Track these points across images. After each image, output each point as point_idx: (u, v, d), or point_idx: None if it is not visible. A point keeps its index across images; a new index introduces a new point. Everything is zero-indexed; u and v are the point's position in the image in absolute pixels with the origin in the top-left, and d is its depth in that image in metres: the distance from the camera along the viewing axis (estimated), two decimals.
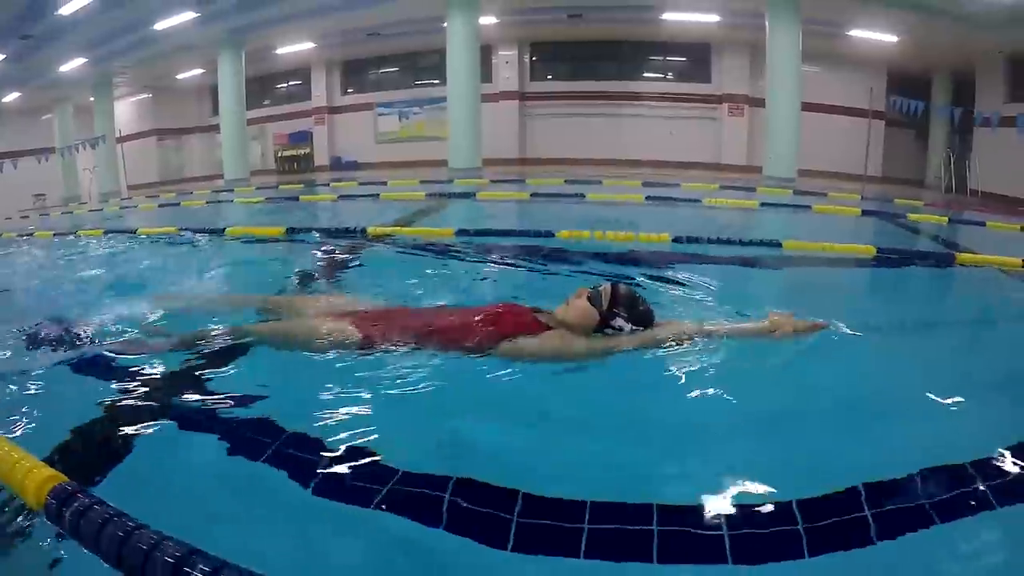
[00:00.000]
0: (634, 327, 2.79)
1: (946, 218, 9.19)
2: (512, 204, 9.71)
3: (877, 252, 5.27)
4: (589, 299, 2.79)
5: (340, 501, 1.75)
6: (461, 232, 5.71)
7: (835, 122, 17.24)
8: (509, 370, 2.57)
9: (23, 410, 2.26)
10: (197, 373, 2.58)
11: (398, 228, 6.03)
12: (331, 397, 2.37)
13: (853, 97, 16.89)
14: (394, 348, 2.74)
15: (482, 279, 4.46)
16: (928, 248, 7.13)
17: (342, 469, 1.88)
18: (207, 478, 1.92)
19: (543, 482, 1.80)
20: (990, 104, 15.97)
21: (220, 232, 6.19)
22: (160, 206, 11.70)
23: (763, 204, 9.07)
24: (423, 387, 2.44)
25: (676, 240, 5.22)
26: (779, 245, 5.30)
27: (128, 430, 2.13)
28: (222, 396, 2.38)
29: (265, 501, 1.82)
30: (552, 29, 17.77)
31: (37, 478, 1.56)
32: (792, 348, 2.71)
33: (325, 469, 1.88)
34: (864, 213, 9.04)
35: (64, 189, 20.68)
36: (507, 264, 4.75)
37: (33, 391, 2.46)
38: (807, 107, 17.03)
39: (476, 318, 2.85)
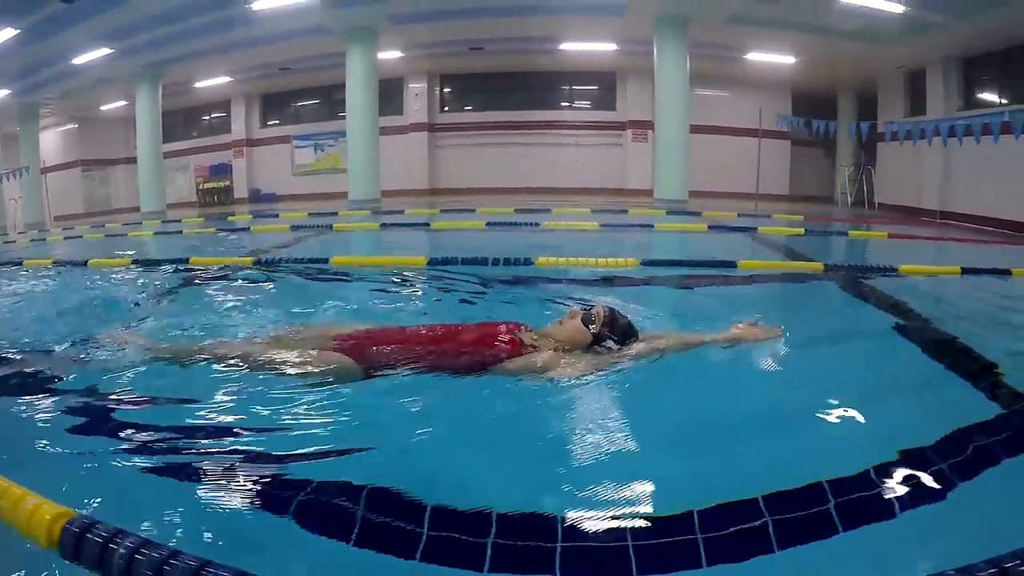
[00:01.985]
0: (621, 346, 3.14)
1: (802, 230, 10.22)
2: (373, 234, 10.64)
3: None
4: (583, 320, 3.14)
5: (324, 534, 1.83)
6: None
7: (741, 144, 18.25)
8: (507, 387, 2.85)
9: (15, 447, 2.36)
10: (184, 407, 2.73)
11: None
12: (330, 425, 2.54)
13: (757, 119, 18.24)
14: (389, 371, 2.97)
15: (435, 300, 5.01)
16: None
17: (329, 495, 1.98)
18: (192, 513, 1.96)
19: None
20: (892, 119, 17.47)
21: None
22: (107, 236, 12.21)
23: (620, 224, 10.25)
24: (418, 407, 2.69)
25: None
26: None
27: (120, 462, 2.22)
28: (208, 428, 2.53)
29: (269, 531, 1.88)
30: (461, 62, 18.91)
31: (45, 515, 1.57)
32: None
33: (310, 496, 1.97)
34: (709, 228, 10.11)
35: None
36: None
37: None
38: (712, 130, 18.67)
39: (468, 336, 3.16)
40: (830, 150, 19.88)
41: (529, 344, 3.10)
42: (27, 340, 3.75)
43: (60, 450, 2.33)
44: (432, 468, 2.27)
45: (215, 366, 3.09)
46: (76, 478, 2.11)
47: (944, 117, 13.84)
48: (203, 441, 2.43)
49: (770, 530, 1.78)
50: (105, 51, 15.76)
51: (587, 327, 3.10)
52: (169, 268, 6.54)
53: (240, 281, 5.78)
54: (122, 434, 2.41)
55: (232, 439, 2.45)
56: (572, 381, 2.88)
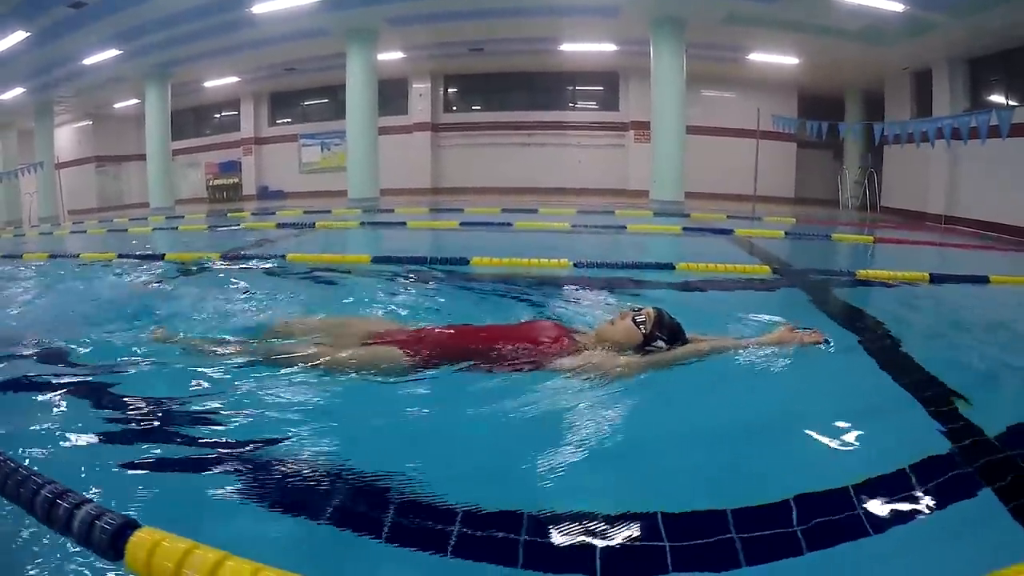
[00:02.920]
0: (670, 346, 3.26)
1: (781, 232, 10.55)
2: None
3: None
4: (634, 321, 3.27)
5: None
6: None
7: (745, 145, 17.97)
8: (560, 386, 2.94)
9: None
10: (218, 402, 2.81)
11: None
12: (380, 421, 2.68)
13: (763, 120, 18.46)
14: (441, 368, 3.09)
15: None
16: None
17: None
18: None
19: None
20: (899, 120, 17.64)
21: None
22: (109, 231, 12.85)
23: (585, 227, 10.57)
24: (476, 403, 2.77)
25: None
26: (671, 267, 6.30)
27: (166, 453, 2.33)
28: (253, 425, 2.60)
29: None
30: (464, 62, 19.46)
31: (109, 525, 1.53)
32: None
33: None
34: (684, 230, 10.37)
35: (5, 213, 22.38)
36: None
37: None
38: (717, 131, 19.02)
39: (523, 335, 3.28)
40: (838, 153, 19.98)
41: (582, 343, 3.26)
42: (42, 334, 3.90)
43: (117, 460, 2.31)
44: (491, 464, 2.37)
45: (260, 358, 3.24)
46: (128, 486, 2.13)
47: (932, 117, 14.01)
48: (260, 440, 2.44)
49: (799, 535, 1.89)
50: (114, 52, 16.53)
51: (638, 327, 3.24)
52: (151, 263, 7.07)
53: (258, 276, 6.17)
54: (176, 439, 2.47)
55: (292, 433, 2.50)
56: (629, 380, 3.01)
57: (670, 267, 6.29)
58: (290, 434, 2.49)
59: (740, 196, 17.63)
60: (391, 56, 17.97)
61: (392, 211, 13.61)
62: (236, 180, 22.61)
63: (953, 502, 2.05)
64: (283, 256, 7.10)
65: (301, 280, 6.04)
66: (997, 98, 14.47)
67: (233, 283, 5.67)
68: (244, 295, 5.04)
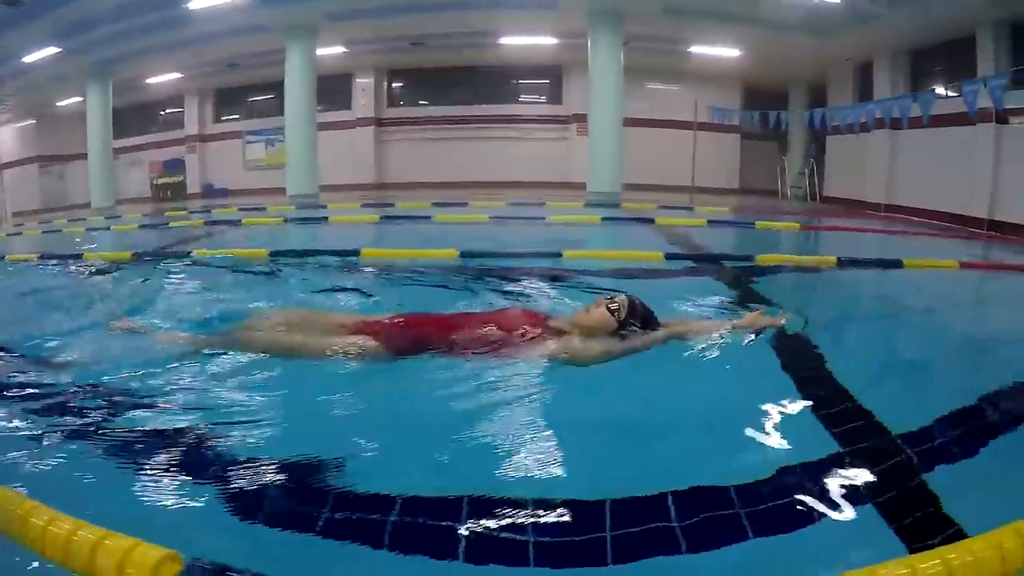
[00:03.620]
0: (643, 331, 3.44)
1: (704, 221, 10.86)
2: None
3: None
4: (608, 308, 3.42)
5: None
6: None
7: (689, 137, 18.62)
8: (539, 372, 3.09)
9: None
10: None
11: None
12: (351, 410, 2.76)
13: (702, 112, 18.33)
14: (416, 356, 3.21)
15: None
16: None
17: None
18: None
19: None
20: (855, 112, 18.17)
21: None
22: (45, 232, 12.99)
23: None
24: (453, 394, 2.84)
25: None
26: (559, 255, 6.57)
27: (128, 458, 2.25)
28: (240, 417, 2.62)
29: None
30: (407, 57, 19.61)
31: (148, 561, 1.47)
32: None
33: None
34: (603, 220, 10.75)
35: None
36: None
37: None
38: (662, 124, 19.46)
39: (501, 323, 3.40)
40: (784, 145, 20.38)
41: (559, 330, 3.40)
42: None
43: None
44: (470, 451, 2.41)
45: (232, 355, 3.27)
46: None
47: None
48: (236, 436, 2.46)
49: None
50: (53, 50, 16.57)
51: (612, 314, 3.40)
52: (69, 263, 7.20)
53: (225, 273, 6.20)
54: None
55: (264, 428, 2.53)
56: (605, 364, 3.24)
57: (557, 255, 6.54)
58: (259, 425, 2.54)
59: (681, 188, 18.07)
60: (332, 51, 18.09)
61: (325, 207, 13.87)
62: (180, 178, 22.54)
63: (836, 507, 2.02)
64: (189, 253, 7.32)
65: (205, 275, 6.18)
66: (938, 89, 14.98)
67: (138, 281, 5.84)
68: (163, 291, 5.24)
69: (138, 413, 2.66)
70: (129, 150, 22.85)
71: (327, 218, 11.04)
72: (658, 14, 14.87)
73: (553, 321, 3.51)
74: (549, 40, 17.70)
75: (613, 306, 3.43)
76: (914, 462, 2.28)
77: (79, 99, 21.70)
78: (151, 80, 20.87)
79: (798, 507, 2.00)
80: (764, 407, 2.74)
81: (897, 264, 6.72)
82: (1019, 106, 11.81)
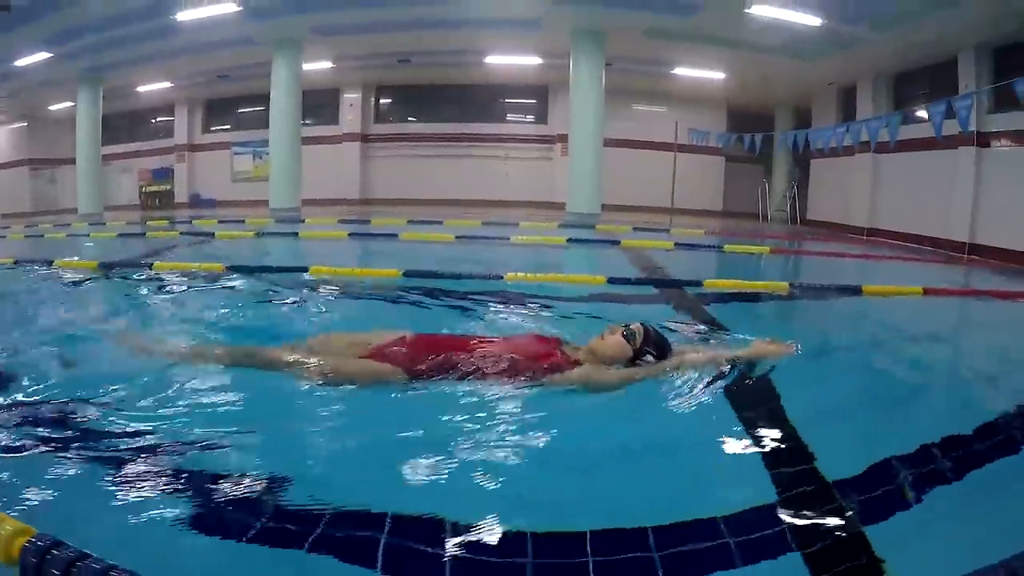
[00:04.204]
0: (658, 359, 3.46)
1: (671, 244, 11.05)
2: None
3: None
4: (624, 336, 3.46)
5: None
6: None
7: (667, 158, 19.19)
8: (565, 399, 3.14)
9: None
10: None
11: None
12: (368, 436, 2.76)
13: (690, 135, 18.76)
14: (435, 381, 3.22)
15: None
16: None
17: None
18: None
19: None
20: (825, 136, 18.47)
21: None
22: (27, 237, 13.14)
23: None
24: (471, 418, 2.87)
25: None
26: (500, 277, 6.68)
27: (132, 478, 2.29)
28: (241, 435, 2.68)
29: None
30: (395, 74, 20.05)
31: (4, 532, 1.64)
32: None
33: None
34: (569, 241, 11.03)
35: None
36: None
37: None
38: (647, 145, 19.86)
39: (520, 349, 3.42)
40: (770, 168, 20.76)
41: (575, 357, 3.41)
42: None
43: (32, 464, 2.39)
44: (489, 482, 2.41)
45: (254, 374, 3.37)
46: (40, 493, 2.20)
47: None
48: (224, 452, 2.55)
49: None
50: (45, 55, 16.90)
51: (628, 342, 3.43)
52: (39, 268, 7.52)
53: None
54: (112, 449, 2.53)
55: (260, 452, 2.60)
56: (623, 393, 3.26)
57: (498, 278, 6.67)
58: (271, 447, 2.65)
59: (664, 209, 18.39)
60: (320, 66, 18.45)
61: (302, 221, 14.26)
62: (168, 187, 22.95)
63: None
64: (149, 266, 7.53)
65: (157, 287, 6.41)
66: (921, 112, 15.19)
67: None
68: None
69: (135, 434, 2.70)
70: (120, 157, 23.31)
71: (297, 233, 11.39)
72: (641, 36, 15.21)
73: (567, 348, 3.52)
74: (534, 60, 18.04)
75: (628, 334, 3.46)
76: (848, 511, 2.19)
77: (71, 104, 21.98)
78: (142, 88, 21.23)
79: (716, 553, 1.99)
80: (703, 445, 2.82)
81: (856, 291, 6.75)
82: (1000, 129, 12.15)
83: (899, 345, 5.18)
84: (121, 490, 2.24)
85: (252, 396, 3.21)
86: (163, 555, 1.94)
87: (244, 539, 1.99)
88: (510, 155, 20.90)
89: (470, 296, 5.76)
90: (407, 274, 6.75)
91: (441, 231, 12.05)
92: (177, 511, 2.11)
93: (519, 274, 6.72)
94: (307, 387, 3.21)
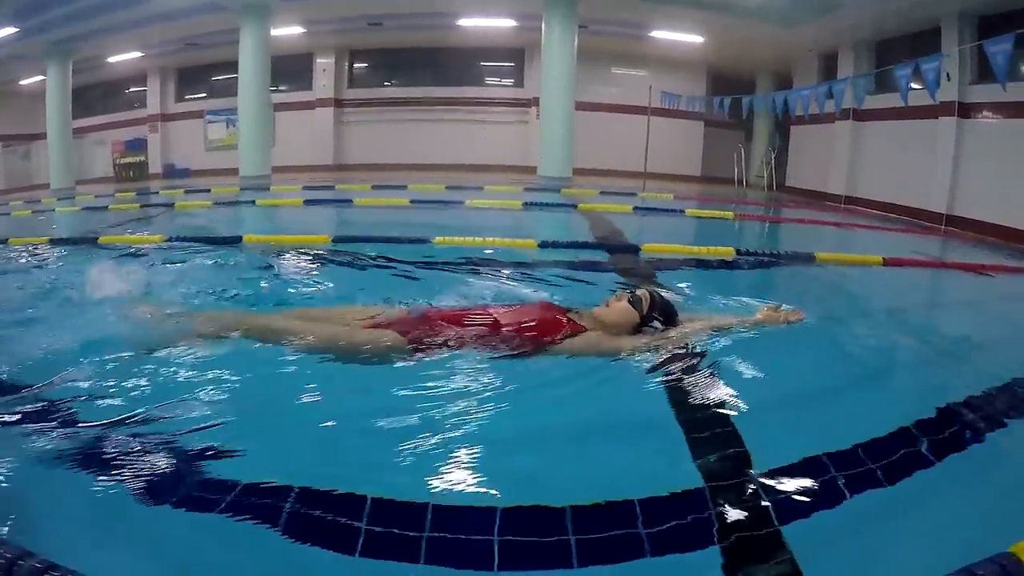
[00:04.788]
0: (665, 326, 3.46)
1: (630, 207, 11.10)
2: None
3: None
4: (630, 302, 3.44)
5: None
6: None
7: (652, 122, 18.88)
8: (563, 368, 3.13)
9: None
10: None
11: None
12: (378, 405, 2.69)
13: (673, 99, 18.44)
14: (445, 351, 3.16)
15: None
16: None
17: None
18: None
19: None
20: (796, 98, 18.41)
21: None
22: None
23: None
24: (478, 387, 2.85)
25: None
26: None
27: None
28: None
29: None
30: (368, 37, 19.86)
31: None
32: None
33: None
34: (524, 205, 10.92)
35: None
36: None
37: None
38: (625, 109, 19.80)
39: (525, 319, 3.36)
40: (749, 133, 20.69)
41: (582, 325, 3.38)
42: None
43: None
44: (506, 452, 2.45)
45: (253, 343, 3.27)
46: None
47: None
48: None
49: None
50: (11, 30, 16.84)
51: (635, 308, 3.42)
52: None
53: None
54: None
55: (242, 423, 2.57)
56: (633, 359, 3.22)
57: (426, 241, 6.64)
58: (275, 421, 2.63)
59: (640, 173, 18.32)
60: (291, 31, 18.28)
61: (268, 189, 14.33)
62: (142, 158, 22.78)
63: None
64: (96, 240, 7.48)
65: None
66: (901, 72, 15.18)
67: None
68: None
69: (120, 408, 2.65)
70: (93, 129, 23.09)
71: (255, 201, 11.46)
72: None
73: (573, 315, 3.48)
74: (508, 22, 17.86)
75: (634, 300, 3.45)
76: (771, 508, 2.11)
77: (42, 77, 22.03)
78: (112, 59, 21.06)
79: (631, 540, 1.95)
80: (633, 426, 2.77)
81: (809, 259, 6.69)
82: (982, 100, 11.99)
83: (847, 318, 4.85)
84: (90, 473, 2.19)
85: (240, 367, 3.10)
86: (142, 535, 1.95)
87: (217, 511, 1.98)
88: (486, 119, 20.72)
89: (451, 264, 5.73)
90: (336, 240, 6.76)
91: (403, 195, 12.11)
92: (146, 485, 2.10)
93: (448, 238, 6.68)
94: (309, 358, 3.14)
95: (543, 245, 6.69)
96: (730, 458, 2.41)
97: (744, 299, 4.32)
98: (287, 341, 3.21)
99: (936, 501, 2.31)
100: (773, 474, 2.27)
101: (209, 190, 14.60)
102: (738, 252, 6.67)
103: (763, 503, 2.12)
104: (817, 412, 3.05)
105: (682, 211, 11.28)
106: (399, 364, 3.09)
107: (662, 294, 3.59)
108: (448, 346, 3.19)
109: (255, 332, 3.34)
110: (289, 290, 4.88)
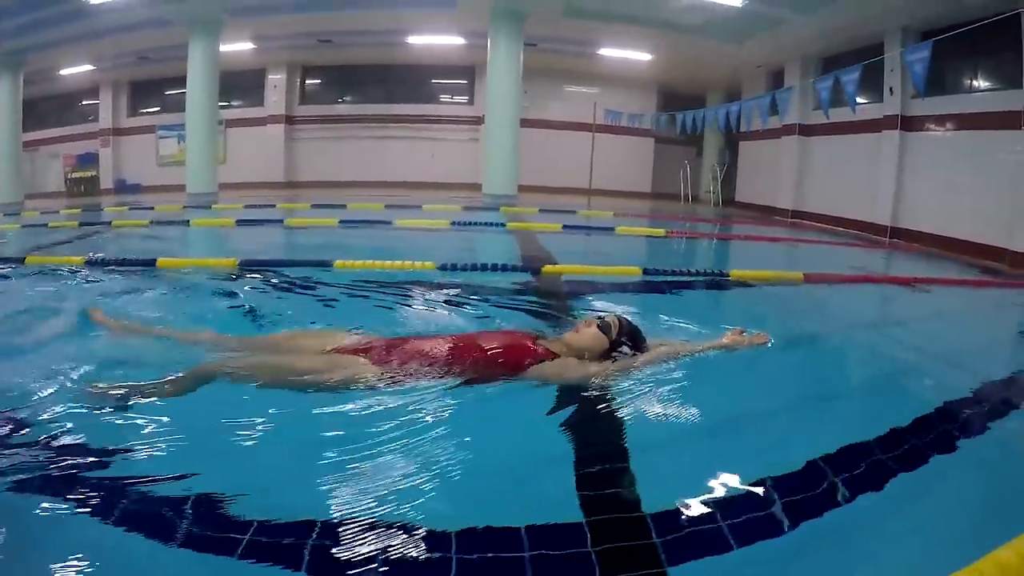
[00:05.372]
0: (634, 352, 3.51)
1: (559, 226, 11.25)
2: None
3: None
4: (599, 328, 3.49)
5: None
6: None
7: (603, 140, 19.57)
8: (535, 395, 3.17)
9: None
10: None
11: None
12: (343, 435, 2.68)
13: (621, 117, 19.10)
14: (413, 380, 3.14)
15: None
16: None
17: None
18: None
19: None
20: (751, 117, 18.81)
21: None
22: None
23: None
24: (448, 415, 2.89)
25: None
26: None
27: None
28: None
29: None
30: (319, 54, 20.14)
31: None
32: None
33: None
34: (453, 223, 11.16)
35: None
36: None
37: None
38: (575, 127, 20.19)
39: (494, 344, 3.39)
40: (700, 149, 21.25)
41: (552, 351, 3.41)
42: None
43: None
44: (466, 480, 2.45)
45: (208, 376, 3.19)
46: None
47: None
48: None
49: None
50: None
51: (604, 334, 3.47)
52: None
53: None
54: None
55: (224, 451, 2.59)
56: (603, 385, 3.28)
57: (328, 264, 6.70)
58: (237, 446, 2.60)
59: (593, 191, 18.74)
60: (241, 47, 18.52)
61: (210, 207, 14.37)
62: (93, 173, 22.83)
63: None
64: (23, 260, 7.33)
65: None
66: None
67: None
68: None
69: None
70: (45, 142, 23.09)
71: (189, 221, 11.60)
72: (560, 15, 15.40)
73: (543, 341, 3.53)
74: (457, 40, 18.16)
75: (603, 325, 3.50)
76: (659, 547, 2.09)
77: None
78: (65, 71, 21.11)
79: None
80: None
81: (722, 276, 6.72)
82: (924, 114, 12.40)
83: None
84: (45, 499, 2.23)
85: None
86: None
87: (173, 544, 2.03)
88: (437, 137, 21.07)
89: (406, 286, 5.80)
90: (243, 264, 6.79)
91: (340, 215, 12.33)
92: (98, 516, 2.14)
93: (348, 261, 6.75)
94: (270, 388, 3.12)
95: (443, 268, 6.73)
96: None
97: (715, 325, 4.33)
98: (243, 370, 3.20)
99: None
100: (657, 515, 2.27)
101: (152, 208, 14.67)
102: (644, 271, 6.76)
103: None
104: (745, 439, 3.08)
105: (613, 229, 11.41)
106: (365, 391, 3.08)
107: (629, 320, 3.65)
108: (417, 374, 3.19)
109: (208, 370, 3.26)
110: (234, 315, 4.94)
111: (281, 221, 11.15)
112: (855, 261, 9.55)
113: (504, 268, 6.97)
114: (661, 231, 11.49)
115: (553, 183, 19.59)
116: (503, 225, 11.10)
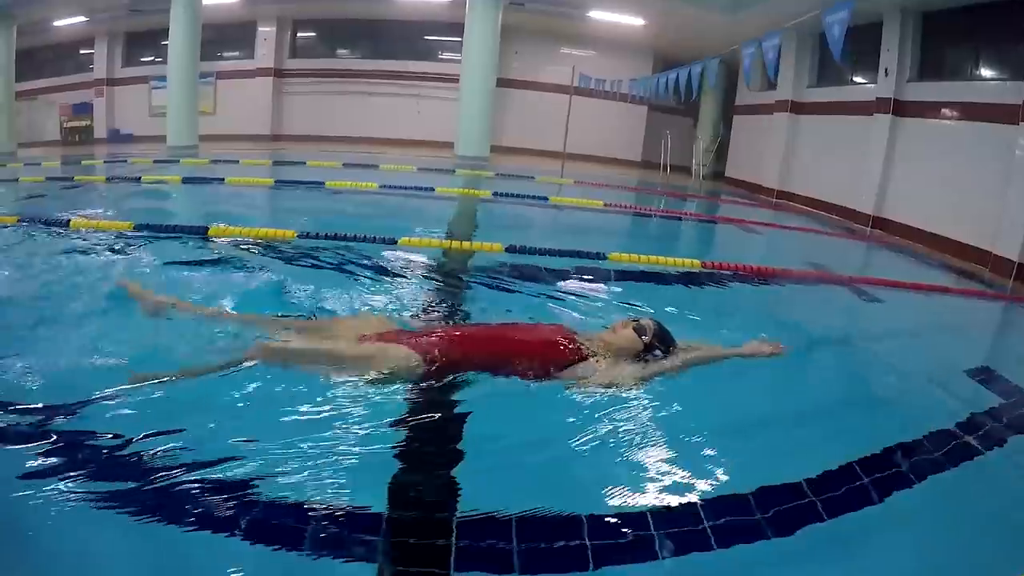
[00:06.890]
0: (665, 355, 3.64)
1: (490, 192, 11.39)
2: None
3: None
4: (635, 330, 3.62)
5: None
6: None
7: (599, 105, 20.03)
8: (579, 396, 3.29)
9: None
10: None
11: None
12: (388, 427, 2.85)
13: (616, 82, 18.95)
14: (458, 373, 3.32)
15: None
16: None
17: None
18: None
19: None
20: (749, 90, 18.39)
21: None
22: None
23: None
24: (491, 409, 3.06)
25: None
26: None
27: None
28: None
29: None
30: (310, 7, 20.43)
31: None
32: None
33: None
34: (381, 186, 11.09)
35: None
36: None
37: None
38: (567, 90, 20.31)
39: (533, 340, 3.60)
40: (698, 120, 21.13)
41: (588, 350, 3.55)
42: None
43: None
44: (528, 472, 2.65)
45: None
46: None
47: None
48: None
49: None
50: None
51: (639, 336, 3.62)
52: None
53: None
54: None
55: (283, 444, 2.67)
56: (640, 387, 3.44)
57: (203, 230, 6.77)
58: (274, 440, 2.68)
59: (575, 156, 18.88)
60: None
61: (179, 162, 14.63)
62: (88, 122, 23.34)
63: None
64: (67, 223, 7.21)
65: None
66: (844, 72, 14.99)
67: None
68: None
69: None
70: (41, 91, 23.65)
71: (140, 178, 11.65)
72: None
73: (583, 339, 3.66)
74: None
75: (639, 328, 3.64)
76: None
77: None
78: (59, 23, 21.62)
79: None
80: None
81: (598, 256, 6.51)
82: (920, 99, 12.05)
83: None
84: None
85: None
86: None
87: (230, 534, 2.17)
88: (422, 94, 21.31)
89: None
90: (138, 227, 6.77)
91: (296, 173, 12.54)
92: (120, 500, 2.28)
93: (223, 226, 6.79)
94: (304, 373, 3.28)
95: (301, 235, 6.64)
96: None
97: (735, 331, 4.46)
98: (288, 358, 3.36)
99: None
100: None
101: (126, 161, 15.05)
102: (505, 249, 6.49)
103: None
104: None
105: (546, 198, 11.22)
106: (408, 381, 3.26)
107: (661, 324, 3.76)
108: (458, 365, 3.37)
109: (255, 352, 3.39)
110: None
111: (222, 180, 11.32)
112: (812, 253, 9.38)
113: (362, 239, 6.72)
114: (599, 203, 11.25)
115: (537, 146, 19.78)
116: (432, 189, 11.16)
